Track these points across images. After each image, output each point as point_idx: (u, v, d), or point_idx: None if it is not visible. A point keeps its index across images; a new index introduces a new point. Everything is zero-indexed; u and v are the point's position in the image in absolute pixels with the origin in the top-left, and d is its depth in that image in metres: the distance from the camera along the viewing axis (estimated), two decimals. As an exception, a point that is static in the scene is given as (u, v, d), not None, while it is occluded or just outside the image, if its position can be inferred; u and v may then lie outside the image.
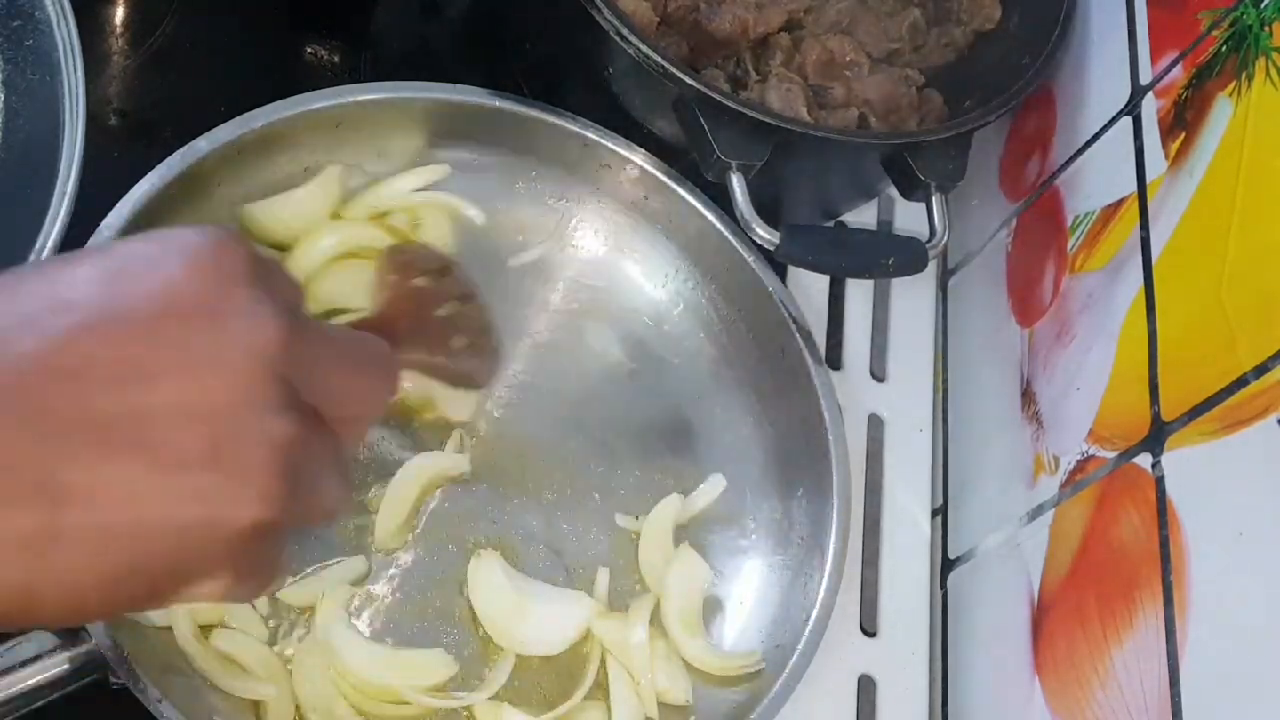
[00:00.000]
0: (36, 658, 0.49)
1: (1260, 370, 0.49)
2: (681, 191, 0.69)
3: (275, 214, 0.65)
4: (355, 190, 0.68)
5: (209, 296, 0.33)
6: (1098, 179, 0.67)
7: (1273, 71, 0.54)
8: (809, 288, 0.76)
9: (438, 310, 0.50)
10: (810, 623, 0.62)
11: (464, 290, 0.52)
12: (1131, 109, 0.65)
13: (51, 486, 0.30)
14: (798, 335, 0.68)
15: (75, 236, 0.54)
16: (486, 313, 0.53)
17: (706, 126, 0.61)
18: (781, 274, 0.70)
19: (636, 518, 0.66)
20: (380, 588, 0.62)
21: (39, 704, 0.50)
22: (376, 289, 0.50)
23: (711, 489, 0.68)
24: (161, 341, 0.32)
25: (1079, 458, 0.61)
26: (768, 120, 0.62)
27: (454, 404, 0.66)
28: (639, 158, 0.69)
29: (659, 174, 0.69)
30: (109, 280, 0.33)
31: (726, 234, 0.69)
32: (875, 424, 0.76)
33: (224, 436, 0.32)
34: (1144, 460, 0.55)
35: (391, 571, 0.62)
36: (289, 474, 0.34)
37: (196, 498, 0.32)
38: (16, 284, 0.33)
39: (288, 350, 0.34)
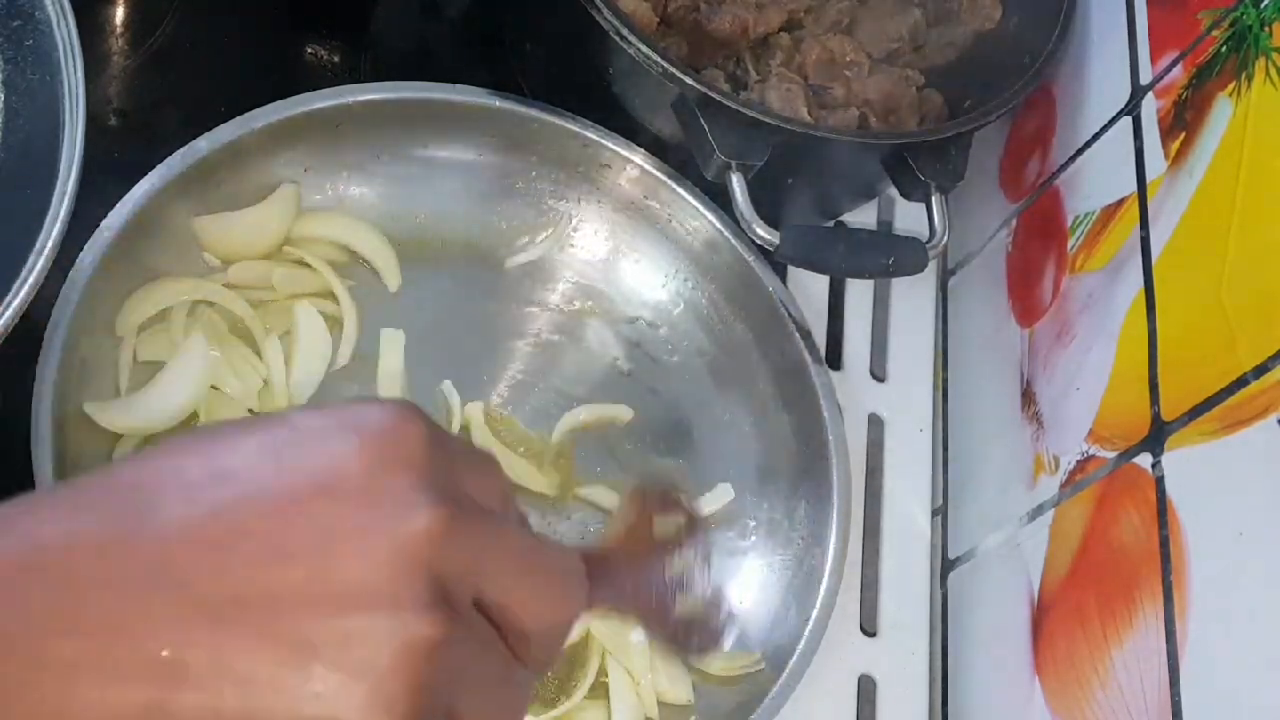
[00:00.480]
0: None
1: (1260, 370, 0.49)
2: (681, 191, 0.69)
3: (226, 230, 0.64)
4: (311, 208, 0.67)
5: (369, 478, 0.31)
6: (1098, 179, 0.67)
7: (1273, 71, 0.54)
8: (809, 288, 0.76)
9: (671, 567, 0.45)
10: (810, 623, 0.62)
11: (705, 553, 0.47)
12: (1131, 109, 0.65)
13: (170, 663, 0.29)
14: (798, 335, 0.68)
15: (75, 236, 0.54)
16: (719, 588, 0.48)
17: (706, 126, 0.61)
18: (781, 274, 0.70)
19: None
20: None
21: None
22: (612, 522, 0.46)
23: (718, 498, 0.68)
24: (308, 520, 0.30)
25: (1079, 458, 0.61)
26: (768, 120, 0.62)
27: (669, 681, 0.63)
28: (639, 158, 0.69)
29: (659, 174, 0.69)
30: (274, 452, 0.31)
31: (726, 234, 0.69)
32: (875, 424, 0.76)
33: (355, 631, 0.29)
34: (1144, 460, 0.55)
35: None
36: (425, 683, 0.30)
37: (314, 697, 0.29)
38: (186, 448, 0.32)
39: (444, 543, 0.31)
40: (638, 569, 0.44)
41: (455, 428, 0.66)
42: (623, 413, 0.69)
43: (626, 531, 0.45)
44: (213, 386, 0.62)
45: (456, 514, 0.31)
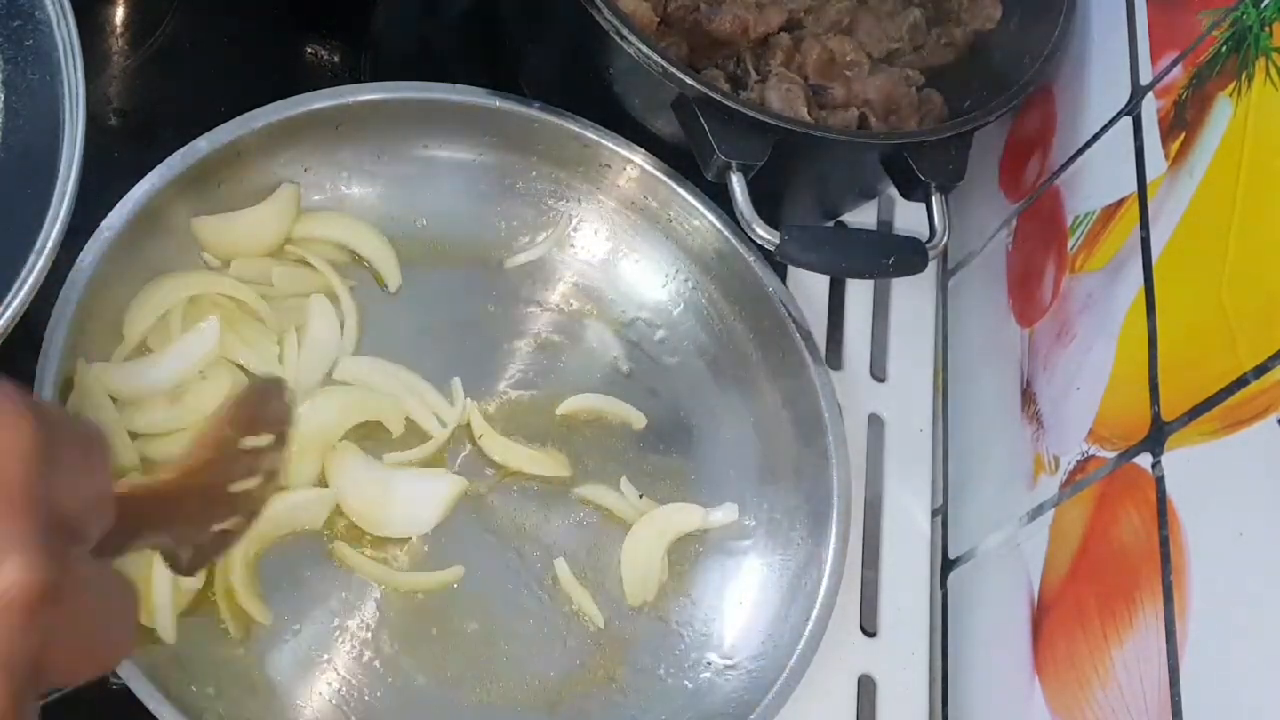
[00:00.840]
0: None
1: (1260, 370, 0.49)
2: (681, 191, 0.69)
3: (226, 230, 0.64)
4: (310, 208, 0.67)
5: None
6: (1098, 179, 0.67)
7: (1273, 71, 0.54)
8: (809, 288, 0.76)
9: (235, 484, 0.42)
10: (810, 623, 0.62)
11: (275, 466, 0.44)
12: (1131, 109, 0.65)
13: None
14: (798, 335, 0.68)
15: (75, 236, 0.54)
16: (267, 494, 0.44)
17: (706, 126, 0.61)
18: (781, 274, 0.70)
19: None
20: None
21: (38, 704, 0.50)
22: (202, 441, 0.42)
23: (723, 516, 0.68)
24: None
25: (1079, 458, 0.61)
26: (768, 120, 0.62)
27: None
28: (639, 158, 0.69)
29: (659, 174, 0.69)
30: None
31: (726, 234, 0.69)
32: (875, 424, 0.76)
33: None
34: (1144, 460, 0.55)
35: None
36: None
37: None
38: None
39: (29, 616, 0.27)
40: (205, 499, 0.41)
41: (454, 427, 0.66)
42: (635, 418, 0.69)
43: (214, 454, 0.42)
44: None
45: (48, 580, 0.26)
